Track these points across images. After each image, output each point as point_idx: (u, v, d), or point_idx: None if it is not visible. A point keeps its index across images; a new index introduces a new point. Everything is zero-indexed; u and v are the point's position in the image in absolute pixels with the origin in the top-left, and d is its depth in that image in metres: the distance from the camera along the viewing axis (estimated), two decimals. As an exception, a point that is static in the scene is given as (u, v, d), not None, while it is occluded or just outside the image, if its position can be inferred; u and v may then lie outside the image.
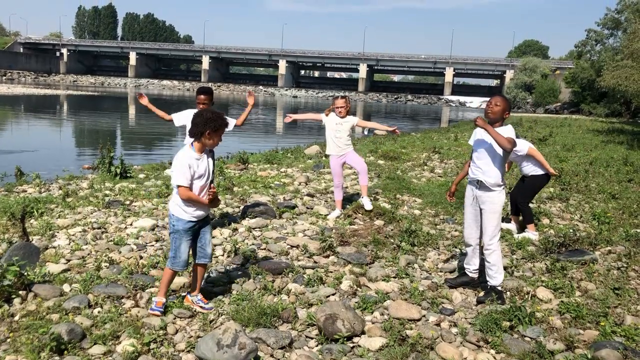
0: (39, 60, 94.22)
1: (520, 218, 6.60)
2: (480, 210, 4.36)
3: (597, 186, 9.54)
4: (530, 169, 6.46)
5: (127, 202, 7.02)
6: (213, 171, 3.96)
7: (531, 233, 6.21)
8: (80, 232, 5.63)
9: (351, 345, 3.48)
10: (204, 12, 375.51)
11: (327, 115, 6.77)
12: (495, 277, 4.33)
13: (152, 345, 3.36)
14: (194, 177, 3.73)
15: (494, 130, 4.10)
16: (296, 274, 4.71)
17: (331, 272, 4.84)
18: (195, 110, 5.49)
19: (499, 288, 4.36)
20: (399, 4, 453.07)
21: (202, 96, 5.62)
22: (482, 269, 4.50)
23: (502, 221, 6.64)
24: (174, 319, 3.75)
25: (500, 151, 4.20)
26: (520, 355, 3.38)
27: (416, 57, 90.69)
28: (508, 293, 4.48)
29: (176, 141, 17.41)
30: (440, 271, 5.04)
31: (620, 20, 38.43)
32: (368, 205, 6.68)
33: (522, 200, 6.45)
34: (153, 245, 5.36)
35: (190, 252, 3.93)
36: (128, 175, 9.06)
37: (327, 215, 6.75)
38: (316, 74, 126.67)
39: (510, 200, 6.71)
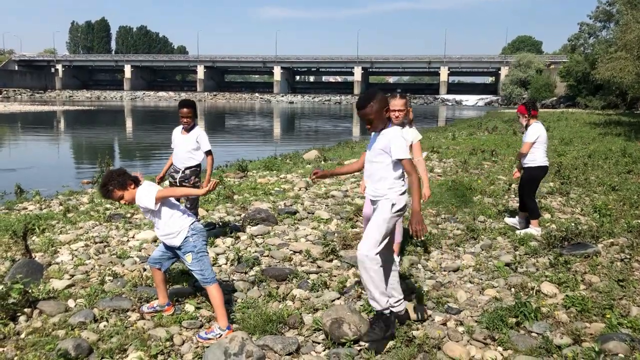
0: (34, 77, 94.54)
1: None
2: None
3: (596, 179, 9.55)
4: (525, 160, 6.39)
5: (128, 215, 7.02)
6: None
7: (534, 229, 6.19)
8: (82, 247, 5.63)
9: (358, 348, 3.48)
10: (196, 22, 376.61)
11: None
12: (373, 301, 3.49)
13: (160, 357, 3.36)
14: None
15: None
16: (300, 279, 4.71)
17: (335, 276, 4.85)
18: (179, 127, 5.57)
19: (387, 313, 3.52)
20: (391, 6, 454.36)
21: (185, 109, 5.37)
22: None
23: (510, 217, 6.71)
24: (181, 329, 3.74)
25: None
26: (528, 351, 3.38)
27: (410, 57, 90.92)
28: (512, 289, 4.49)
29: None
30: (444, 270, 5.04)
31: (612, 12, 38.53)
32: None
33: (526, 195, 6.40)
34: (156, 257, 5.35)
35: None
36: (128, 188, 9.05)
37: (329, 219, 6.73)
38: (311, 78, 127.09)
39: (518, 197, 6.68)
